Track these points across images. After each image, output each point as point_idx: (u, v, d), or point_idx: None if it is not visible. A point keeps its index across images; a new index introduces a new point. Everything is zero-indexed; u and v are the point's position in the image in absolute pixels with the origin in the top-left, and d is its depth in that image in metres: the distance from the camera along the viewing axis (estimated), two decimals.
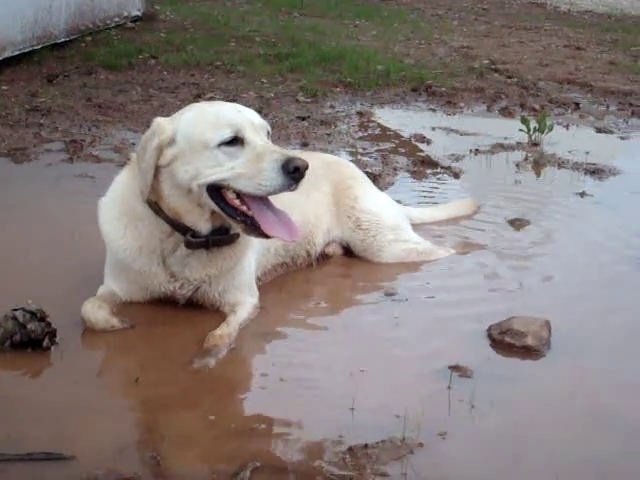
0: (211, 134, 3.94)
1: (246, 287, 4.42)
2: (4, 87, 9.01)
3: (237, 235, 4.19)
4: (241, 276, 4.38)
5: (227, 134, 3.93)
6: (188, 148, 3.97)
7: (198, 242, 4.14)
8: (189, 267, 4.24)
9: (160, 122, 4.06)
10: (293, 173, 3.86)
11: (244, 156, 3.91)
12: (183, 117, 4.07)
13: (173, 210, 4.09)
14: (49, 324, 3.92)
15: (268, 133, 4.11)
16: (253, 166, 3.88)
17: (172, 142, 4.00)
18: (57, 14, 10.77)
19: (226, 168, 3.92)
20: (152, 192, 4.05)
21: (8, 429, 3.30)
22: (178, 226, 4.11)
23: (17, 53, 9.91)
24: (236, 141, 3.93)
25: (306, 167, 3.90)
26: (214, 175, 3.94)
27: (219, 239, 4.17)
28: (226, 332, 4.09)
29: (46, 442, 3.21)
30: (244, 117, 4.02)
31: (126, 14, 13.16)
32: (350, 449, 3.23)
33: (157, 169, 4.02)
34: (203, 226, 4.10)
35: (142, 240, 4.19)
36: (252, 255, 4.48)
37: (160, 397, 3.65)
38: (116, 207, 4.26)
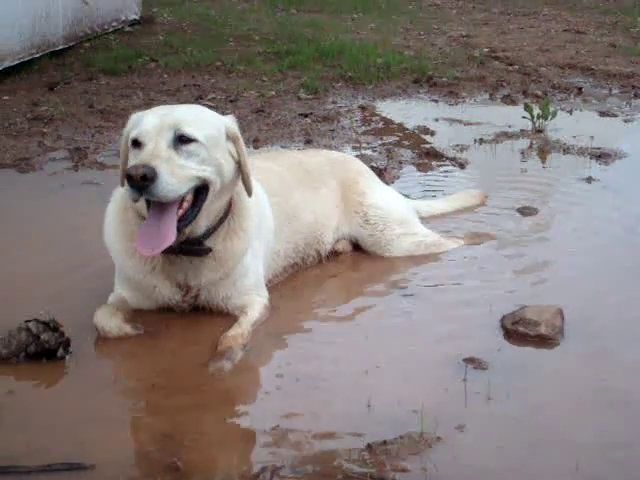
0: (131, 132, 4.01)
1: (252, 290, 4.40)
2: (5, 97, 9.02)
3: (209, 249, 4.18)
4: (243, 280, 4.36)
5: (133, 135, 3.98)
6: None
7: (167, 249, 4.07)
8: (187, 274, 4.24)
9: (133, 114, 4.18)
10: (129, 180, 3.76)
11: (137, 158, 3.89)
12: (140, 113, 4.13)
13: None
14: (62, 334, 3.93)
15: (180, 135, 3.95)
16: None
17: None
18: (55, 22, 10.77)
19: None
20: None
21: (27, 440, 3.31)
22: None
23: (17, 62, 9.92)
24: (137, 142, 3.95)
25: (141, 175, 3.72)
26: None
27: (187, 249, 4.16)
28: (239, 332, 4.10)
29: (65, 452, 3.22)
30: (158, 120, 3.96)
31: (124, 18, 13.16)
32: (369, 446, 3.23)
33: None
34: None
35: (130, 236, 4.20)
36: (256, 259, 4.46)
37: (177, 402, 3.65)
38: (116, 219, 4.29)
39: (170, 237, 3.87)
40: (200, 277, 4.25)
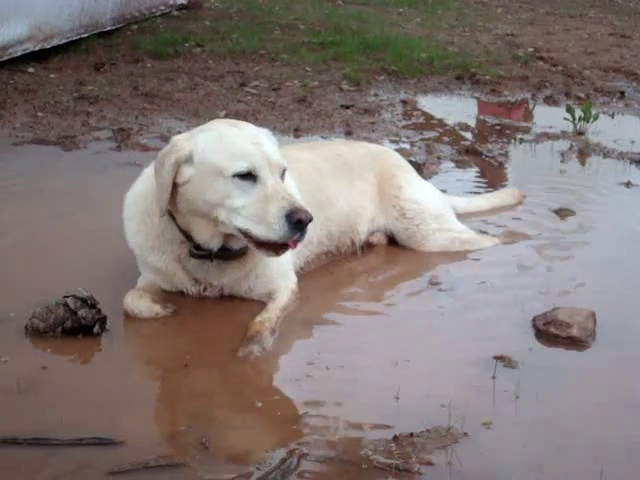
0: (227, 163, 3.95)
1: (277, 277, 4.43)
2: (53, 75, 9.10)
3: (245, 249, 4.22)
4: (266, 271, 4.38)
5: (242, 167, 3.93)
6: (203, 171, 3.98)
7: (200, 254, 4.19)
8: (209, 273, 4.30)
9: (178, 139, 4.06)
10: (296, 224, 3.87)
11: (255, 194, 3.93)
12: (202, 137, 4.06)
13: (185, 225, 4.14)
14: (99, 311, 3.99)
15: (284, 172, 4.09)
16: (261, 207, 3.90)
17: (189, 161, 4.00)
18: (104, 3, 10.83)
19: (237, 204, 3.93)
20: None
21: (60, 414, 3.37)
22: (189, 237, 4.17)
23: (65, 42, 9.98)
24: (249, 175, 3.94)
25: (309, 220, 3.89)
26: (237, 221, 3.94)
27: (225, 254, 4.22)
28: (266, 317, 4.13)
29: (97, 427, 3.28)
30: (262, 153, 4.00)
31: (172, 2, 13.20)
32: (396, 438, 3.27)
33: (173, 186, 4.03)
34: (214, 244, 4.15)
35: (152, 240, 4.27)
36: None
37: (208, 383, 3.71)
38: (137, 203, 4.32)
39: None
40: (223, 277, 4.32)
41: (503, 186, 6.47)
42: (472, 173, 6.82)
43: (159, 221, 4.19)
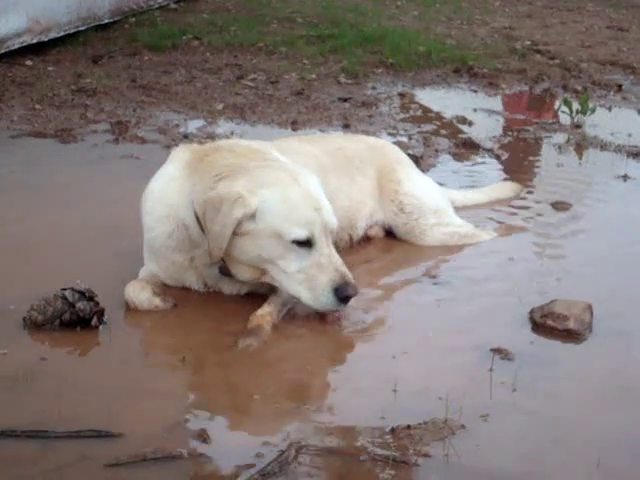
0: (287, 229, 3.97)
1: None
2: (50, 68, 9.10)
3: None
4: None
5: (302, 235, 3.98)
6: (263, 229, 3.99)
7: (227, 274, 4.25)
8: (222, 282, 4.35)
9: (243, 194, 3.97)
10: (343, 300, 3.98)
11: (309, 260, 4.00)
12: (267, 194, 4.02)
13: (227, 261, 4.15)
14: (97, 303, 4.00)
15: (332, 232, 4.16)
16: (313, 275, 3.99)
17: (252, 217, 3.99)
18: None
19: (291, 268, 4.00)
20: None
21: (58, 407, 3.38)
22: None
23: (63, 34, 9.98)
24: (307, 241, 3.99)
25: (355, 295, 4.04)
26: (289, 287, 4.05)
27: None
28: (267, 311, 4.14)
29: (95, 420, 3.28)
30: (322, 218, 4.05)
31: None
32: (393, 430, 3.28)
33: None
34: (247, 278, 4.20)
35: (177, 242, 4.28)
36: None
37: (206, 376, 3.73)
38: (161, 203, 4.29)
39: None
40: (234, 287, 4.36)
41: (500, 179, 6.47)
42: (469, 166, 6.82)
43: (189, 232, 4.21)
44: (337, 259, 4.05)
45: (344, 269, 4.04)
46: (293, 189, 4.07)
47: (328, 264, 4.00)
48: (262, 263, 4.06)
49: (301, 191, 4.08)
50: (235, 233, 3.99)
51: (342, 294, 3.97)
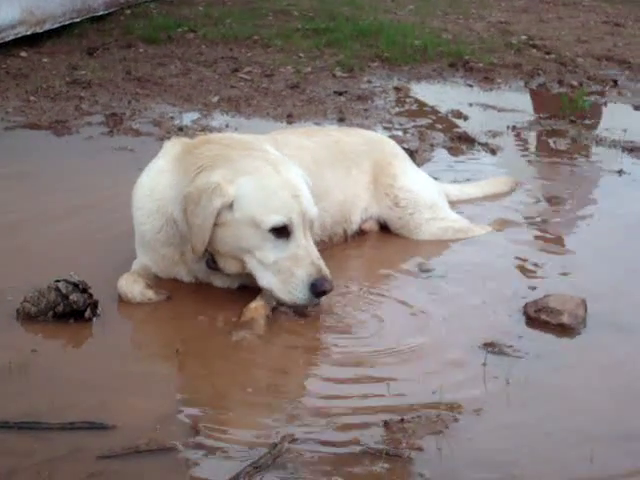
0: (264, 215, 3.97)
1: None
2: (45, 60, 9.09)
3: None
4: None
5: (279, 220, 3.96)
6: (241, 218, 3.99)
7: (214, 268, 4.25)
8: (214, 276, 4.35)
9: (220, 183, 3.98)
10: (318, 295, 3.97)
11: (286, 251, 3.99)
12: (243, 182, 4.03)
13: (212, 251, 4.16)
14: (91, 295, 4.00)
15: (311, 222, 4.13)
16: (289, 268, 3.97)
17: (230, 207, 3.99)
18: None
19: (269, 259, 3.99)
20: None
21: (51, 398, 3.38)
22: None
23: (57, 26, 9.96)
24: (284, 229, 3.98)
25: (331, 290, 4.02)
26: (262, 280, 4.04)
27: None
28: (260, 304, 4.12)
29: (88, 412, 3.28)
30: (300, 205, 4.03)
31: None
32: (386, 423, 3.28)
33: None
34: (233, 271, 4.19)
35: (167, 236, 4.28)
36: None
37: (199, 369, 3.73)
38: (151, 197, 4.29)
39: None
40: (225, 281, 4.35)
41: (496, 174, 6.46)
42: (464, 161, 6.81)
43: (178, 228, 4.21)
44: (314, 252, 4.04)
45: (320, 262, 4.02)
46: (271, 177, 4.07)
47: (305, 256, 3.98)
48: (241, 254, 4.05)
49: (280, 179, 4.07)
50: (216, 224, 3.99)
51: (318, 289, 3.96)
